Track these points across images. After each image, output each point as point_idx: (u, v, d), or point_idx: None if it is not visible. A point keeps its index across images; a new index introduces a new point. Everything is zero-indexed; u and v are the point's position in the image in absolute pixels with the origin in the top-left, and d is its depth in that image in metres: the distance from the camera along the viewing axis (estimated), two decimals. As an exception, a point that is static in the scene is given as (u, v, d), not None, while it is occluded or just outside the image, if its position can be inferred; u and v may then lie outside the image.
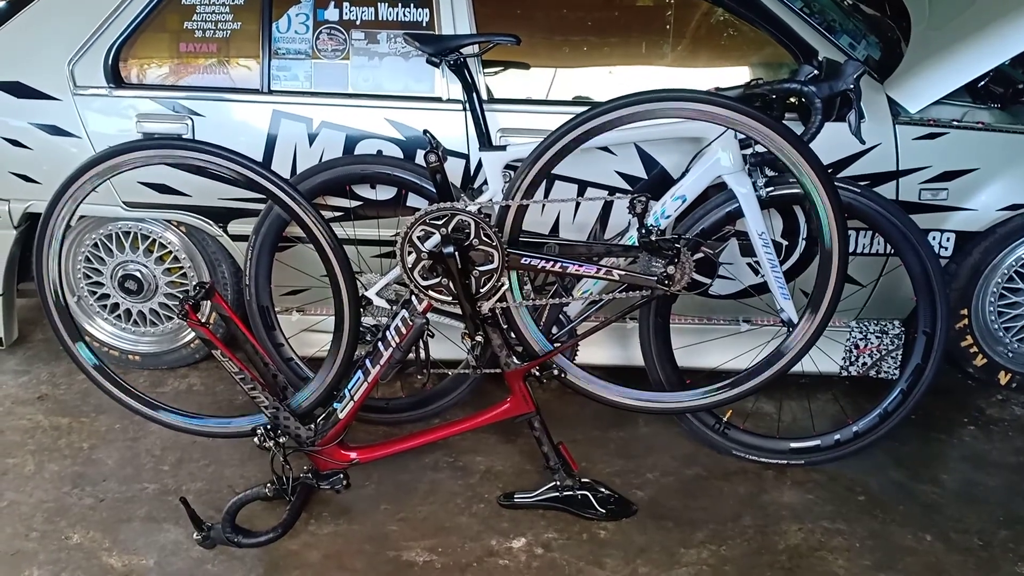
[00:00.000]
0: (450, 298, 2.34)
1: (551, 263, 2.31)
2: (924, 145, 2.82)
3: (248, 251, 2.84)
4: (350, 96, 2.91)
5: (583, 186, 2.88)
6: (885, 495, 2.67)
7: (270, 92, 2.92)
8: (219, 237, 3.04)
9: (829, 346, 3.01)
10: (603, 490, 2.59)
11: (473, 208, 2.26)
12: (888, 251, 2.89)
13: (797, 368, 2.81)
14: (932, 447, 2.92)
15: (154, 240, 3.14)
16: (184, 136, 2.91)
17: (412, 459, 2.80)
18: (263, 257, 2.86)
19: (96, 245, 3.16)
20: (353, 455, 2.59)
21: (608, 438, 2.94)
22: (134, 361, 3.33)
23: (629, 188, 2.87)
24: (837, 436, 2.79)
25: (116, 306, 3.26)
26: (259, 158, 2.86)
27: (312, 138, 2.90)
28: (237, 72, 2.96)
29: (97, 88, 2.94)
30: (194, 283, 2.95)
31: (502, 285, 2.32)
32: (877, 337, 3.08)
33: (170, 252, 3.16)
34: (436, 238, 2.29)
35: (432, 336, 2.47)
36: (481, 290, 2.32)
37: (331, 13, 2.90)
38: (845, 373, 3.11)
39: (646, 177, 2.85)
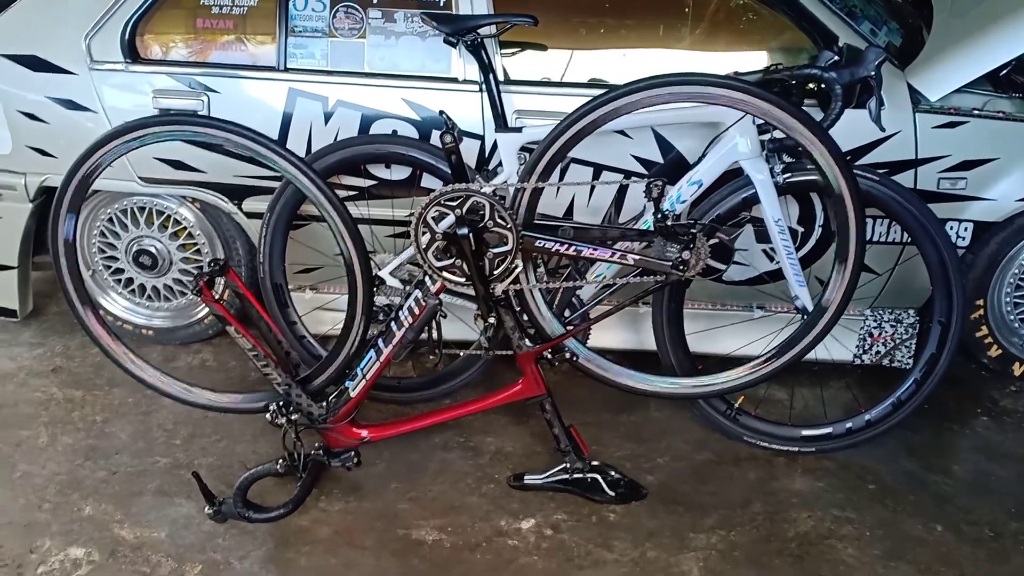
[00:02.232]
0: (463, 279, 2.34)
1: (565, 246, 2.31)
2: (944, 134, 2.79)
3: (262, 228, 2.85)
4: (366, 75, 2.90)
5: (598, 169, 2.86)
6: (896, 484, 2.67)
7: (286, 70, 2.91)
8: (234, 214, 3.04)
9: (842, 334, 2.99)
10: (613, 473, 2.59)
11: (488, 190, 2.25)
12: (905, 240, 2.87)
13: (810, 355, 2.82)
14: (944, 437, 2.91)
15: (169, 216, 3.14)
16: (199, 112, 2.90)
17: (423, 438, 2.81)
18: (277, 235, 2.86)
19: (111, 219, 3.17)
20: (364, 433, 2.60)
21: (619, 422, 2.94)
22: (148, 336, 3.34)
23: (645, 172, 2.85)
24: (849, 424, 2.78)
25: (130, 281, 3.27)
26: (274, 136, 2.86)
27: (327, 117, 2.89)
28: (253, 49, 2.95)
29: (113, 63, 2.94)
30: (208, 260, 2.95)
31: (516, 267, 2.31)
32: (891, 326, 3.06)
33: (184, 228, 3.16)
34: (450, 219, 2.28)
35: (445, 317, 2.46)
36: (495, 272, 2.32)
37: (348, -10, 2.89)
38: (858, 361, 3.09)
39: (662, 161, 2.84)
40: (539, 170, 2.29)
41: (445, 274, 2.34)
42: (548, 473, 2.60)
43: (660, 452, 2.80)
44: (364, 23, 2.89)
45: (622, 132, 2.80)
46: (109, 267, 3.26)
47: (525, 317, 2.49)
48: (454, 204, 2.25)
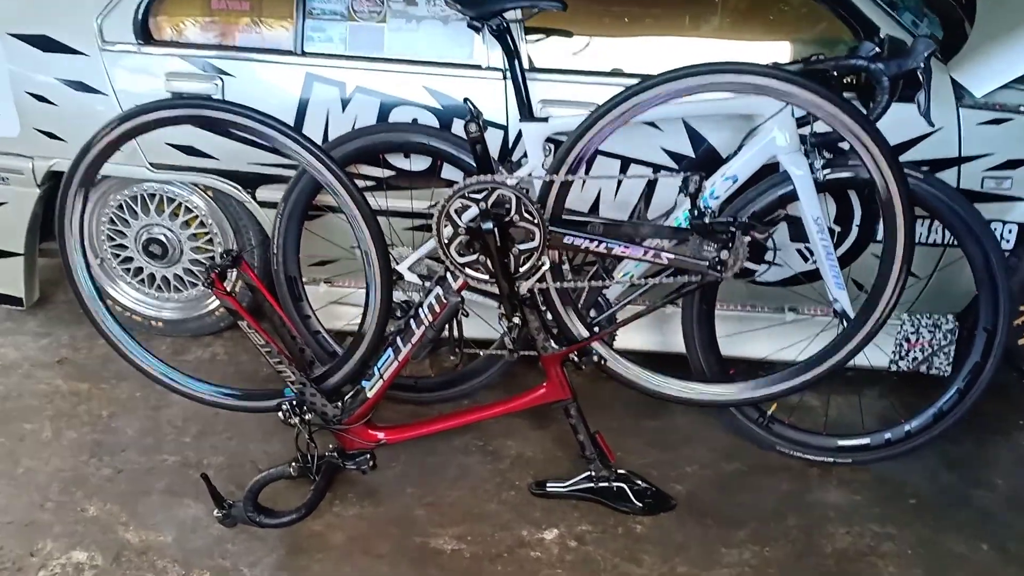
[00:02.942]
0: (487, 276, 2.23)
1: (595, 243, 2.19)
2: (989, 131, 2.65)
3: (276, 219, 2.74)
4: (386, 61, 2.78)
5: (626, 162, 2.74)
6: (937, 499, 2.54)
7: (303, 54, 2.80)
8: (247, 203, 2.93)
9: (879, 339, 2.86)
10: (640, 482, 2.48)
11: (514, 182, 2.13)
12: (947, 242, 2.74)
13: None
14: (986, 449, 2.79)
15: (180, 204, 3.04)
16: (213, 97, 2.79)
17: (440, 441, 2.70)
18: (292, 226, 2.76)
19: (121, 207, 3.07)
20: (381, 435, 2.49)
21: (643, 427, 2.82)
22: (157, 327, 3.24)
23: (675, 166, 2.72)
24: (888, 435, 2.66)
25: (140, 270, 3.17)
26: (290, 123, 2.72)
27: (345, 103, 2.77)
28: (270, 32, 2.84)
29: (126, 44, 2.83)
30: (220, 250, 2.83)
31: (543, 265, 2.20)
32: (929, 332, 2.94)
33: (196, 217, 3.06)
34: (474, 212, 2.16)
35: (467, 315, 2.35)
36: (520, 269, 2.21)
37: (370, -27, 2.77)
38: (895, 368, 2.97)
39: (693, 155, 2.71)
40: (569, 162, 2.17)
41: (468, 270, 2.22)
42: (572, 481, 2.49)
43: (687, 460, 2.68)
44: (385, 6, 2.77)
45: (652, 124, 2.68)
46: (118, 256, 3.16)
47: (550, 317, 2.36)
48: (479, 197, 2.13)
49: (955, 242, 2.62)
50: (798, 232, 2.76)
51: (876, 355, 2.88)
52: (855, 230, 2.78)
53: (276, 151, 2.33)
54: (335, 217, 2.87)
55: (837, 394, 2.95)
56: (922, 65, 2.22)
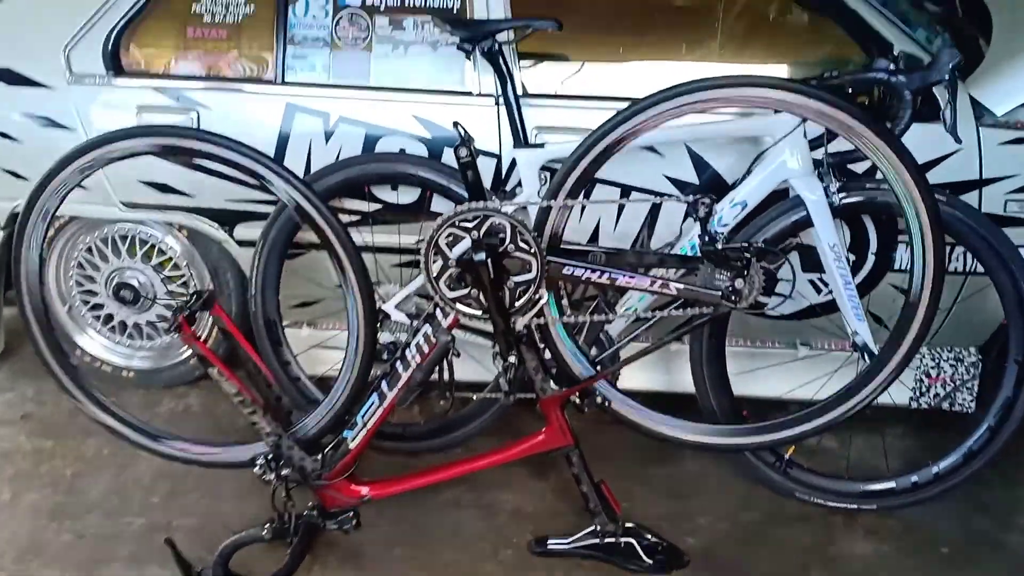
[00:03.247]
0: (480, 312, 2.04)
1: (597, 273, 2.01)
2: (1011, 151, 2.50)
3: (255, 258, 2.55)
4: (372, 89, 2.62)
5: (626, 191, 2.57)
6: (971, 547, 2.36)
7: (284, 83, 2.64)
8: (224, 242, 2.76)
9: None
10: (649, 537, 2.27)
11: (509, 209, 1.96)
12: (968, 269, 2.57)
13: None
14: (1019, 492, 2.59)
15: (153, 245, 2.86)
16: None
17: (430, 495, 2.50)
18: (271, 264, 2.57)
19: (90, 250, 2.88)
20: (364, 491, 2.28)
21: (651, 475, 2.62)
22: (128, 379, 3.04)
23: (678, 194, 2.56)
24: (915, 478, 2.47)
25: (110, 317, 2.98)
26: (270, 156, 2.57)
27: (329, 135, 2.61)
28: (248, 61, 2.68)
29: (94, 76, 2.67)
30: (192, 292, 2.64)
31: (540, 298, 2.02)
32: (951, 366, 2.76)
33: (170, 259, 2.87)
34: (466, 243, 1.98)
35: (458, 356, 2.16)
36: (516, 304, 2.02)
37: (353, -3, 2.62)
38: (915, 405, 2.78)
39: (697, 182, 2.55)
40: (568, 187, 2.00)
41: (459, 306, 2.04)
42: (575, 537, 2.28)
43: (700, 511, 2.48)
44: (370, 32, 2.62)
45: (653, 150, 2.52)
46: (87, 302, 2.96)
47: (549, 356, 2.18)
48: (470, 226, 1.95)
49: (977, 269, 2.46)
50: (811, 261, 2.59)
51: (895, 391, 2.69)
52: (871, 259, 2.61)
53: (253, 186, 2.15)
54: (318, 255, 2.68)
55: (856, 434, 2.76)
56: (947, 78, 2.06)
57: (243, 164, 2.05)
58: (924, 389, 2.78)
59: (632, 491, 2.50)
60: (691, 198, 1.95)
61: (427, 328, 2.10)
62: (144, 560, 2.27)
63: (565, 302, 2.20)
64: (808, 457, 2.56)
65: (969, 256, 2.56)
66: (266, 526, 2.12)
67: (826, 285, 2.64)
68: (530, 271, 1.99)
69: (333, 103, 2.61)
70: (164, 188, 2.69)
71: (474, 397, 2.59)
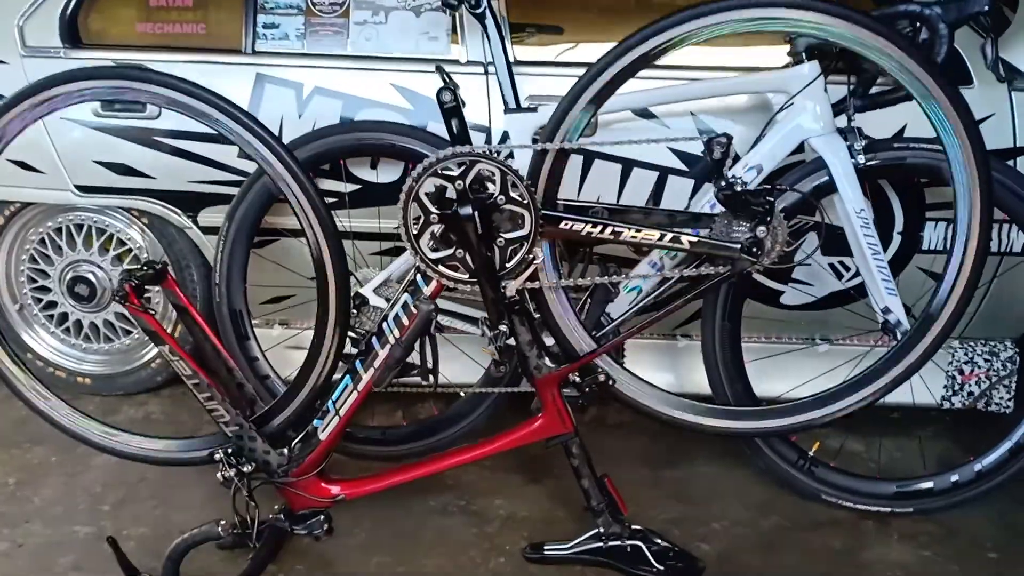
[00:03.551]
0: (467, 276, 1.79)
1: (599, 228, 1.76)
2: (1048, 116, 2.29)
3: (220, 242, 2.31)
4: (349, 58, 2.41)
5: (628, 165, 2.35)
6: (1023, 551, 2.06)
7: (254, 53, 2.43)
8: (187, 229, 2.52)
9: (927, 371, 2.44)
10: (659, 541, 2.00)
11: (499, 154, 1.73)
12: (1004, 250, 2.35)
13: (890, 399, 2.25)
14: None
15: (111, 235, 2.61)
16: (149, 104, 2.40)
17: (414, 501, 2.23)
18: (237, 250, 2.33)
19: (43, 241, 2.64)
20: (336, 490, 2.01)
21: (661, 478, 2.36)
22: (84, 384, 2.77)
23: (684, 168, 2.34)
24: (955, 477, 2.21)
25: (64, 316, 2.72)
26: (237, 132, 2.35)
27: (302, 106, 2.39)
28: (216, 29, 2.48)
29: (50, 49, 2.45)
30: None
31: (534, 258, 1.77)
32: (985, 361, 2.53)
33: (129, 250, 2.62)
34: (451, 195, 1.74)
35: (441, 331, 1.91)
36: (507, 265, 1.77)
37: (330, -41, 2.42)
38: (947, 405, 2.54)
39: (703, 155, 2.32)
40: (566, 127, 1.75)
41: (442, 269, 1.78)
42: (576, 541, 2.02)
43: (715, 515, 2.21)
44: (348, -3, 2.42)
45: (656, 118, 2.30)
46: (40, 300, 2.71)
47: (545, 328, 1.93)
48: (455, 174, 1.71)
49: (1013, 249, 2.28)
50: (830, 243, 2.36)
51: (924, 391, 2.46)
52: (897, 239, 2.38)
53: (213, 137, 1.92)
54: (290, 242, 2.45)
55: (885, 437, 2.50)
56: (987, 8, 1.84)
57: (198, 108, 1.80)
58: (957, 387, 2.55)
59: (640, 496, 2.24)
60: (705, 137, 1.72)
61: (406, 297, 1.85)
62: (89, 569, 2.00)
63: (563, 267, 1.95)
64: (832, 458, 2.30)
65: (1004, 235, 2.35)
66: (222, 523, 1.84)
67: (848, 270, 2.42)
68: (523, 227, 1.75)
69: (307, 73, 2.41)
70: (122, 169, 2.46)
71: (462, 394, 2.34)
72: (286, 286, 2.53)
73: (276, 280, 2.53)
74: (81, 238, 2.63)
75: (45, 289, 2.70)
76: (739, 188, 1.68)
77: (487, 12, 2.18)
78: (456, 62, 2.38)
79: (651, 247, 1.90)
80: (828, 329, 2.54)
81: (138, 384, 2.78)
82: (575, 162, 2.33)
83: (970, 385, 2.53)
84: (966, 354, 2.52)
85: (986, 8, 1.88)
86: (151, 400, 2.77)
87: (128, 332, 2.72)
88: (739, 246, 1.74)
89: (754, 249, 1.74)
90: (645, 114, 2.31)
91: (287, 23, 2.44)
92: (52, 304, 2.72)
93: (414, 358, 1.90)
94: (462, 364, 2.39)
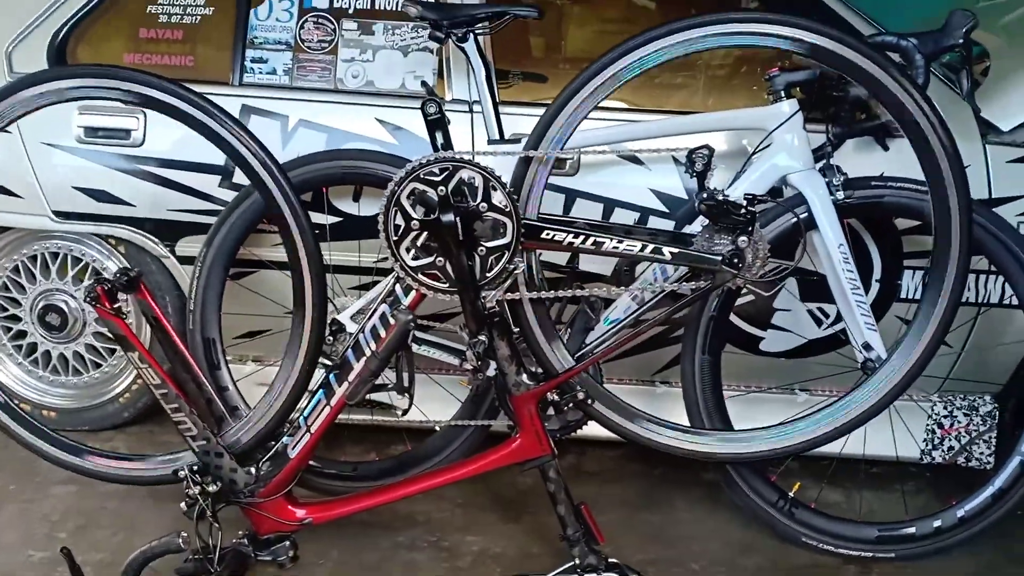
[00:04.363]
0: (446, 285, 1.78)
1: (581, 238, 1.76)
2: (1021, 169, 2.33)
3: (196, 269, 2.29)
4: (335, 92, 2.45)
5: (609, 206, 2.36)
6: (1007, 598, 2.02)
7: (241, 85, 2.45)
8: (164, 259, 2.49)
9: (907, 426, 2.44)
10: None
11: (484, 160, 1.73)
12: (982, 300, 2.36)
13: (871, 452, 2.36)
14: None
15: (87, 264, 2.58)
16: (133, 131, 2.42)
17: (382, 535, 2.17)
18: (213, 278, 2.30)
19: (17, 269, 2.60)
20: (302, 513, 1.95)
21: (638, 520, 2.30)
22: (49, 419, 2.68)
23: (664, 208, 2.36)
24: (937, 522, 2.18)
25: (33, 347, 2.66)
26: (220, 161, 2.36)
27: (287, 139, 2.41)
28: (204, 62, 2.52)
29: (36, 76, 2.46)
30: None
31: (515, 268, 1.76)
32: (965, 415, 2.50)
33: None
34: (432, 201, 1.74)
35: (419, 345, 1.88)
36: (487, 274, 1.76)
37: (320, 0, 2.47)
38: (927, 460, 2.50)
39: (684, 196, 2.35)
40: (552, 136, 1.77)
41: (422, 277, 1.77)
42: (551, 574, 1.93)
43: (694, 556, 2.15)
44: (336, 35, 2.46)
45: (636, 160, 2.33)
46: (9, 329, 2.65)
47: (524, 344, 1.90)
48: (438, 179, 1.71)
49: (991, 300, 2.32)
50: (810, 289, 2.38)
51: (905, 444, 2.44)
52: (875, 286, 2.39)
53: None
54: (267, 274, 2.43)
55: (865, 488, 2.46)
56: (961, 40, 1.90)
57: (185, 111, 1.81)
58: (937, 441, 2.52)
59: (616, 536, 2.15)
60: (687, 150, 1.73)
61: (384, 308, 1.83)
62: (39, 592, 1.90)
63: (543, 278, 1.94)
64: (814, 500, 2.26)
65: (982, 285, 2.37)
66: (182, 535, 1.77)
67: (827, 316, 2.42)
68: (504, 235, 1.74)
69: (293, 106, 2.43)
70: (102, 196, 2.46)
71: (437, 428, 2.29)
72: (262, 315, 2.48)
73: (252, 312, 2.49)
74: (56, 267, 2.59)
75: (15, 318, 2.64)
76: (720, 198, 1.69)
77: (473, 45, 2.21)
78: (442, 100, 2.41)
79: (632, 258, 1.89)
80: (808, 376, 2.52)
81: (104, 419, 2.70)
82: (556, 200, 2.35)
83: (950, 439, 2.51)
84: (946, 408, 2.50)
85: (961, 41, 1.93)
86: (117, 436, 2.69)
87: (97, 365, 2.66)
88: (720, 258, 1.74)
89: (735, 261, 1.73)
90: (631, 159, 2.32)
91: (275, 58, 2.48)
92: (21, 334, 2.66)
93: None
94: (440, 400, 2.35)
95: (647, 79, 2.14)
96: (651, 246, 1.76)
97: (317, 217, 2.38)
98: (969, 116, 2.32)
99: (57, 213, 2.48)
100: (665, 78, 2.61)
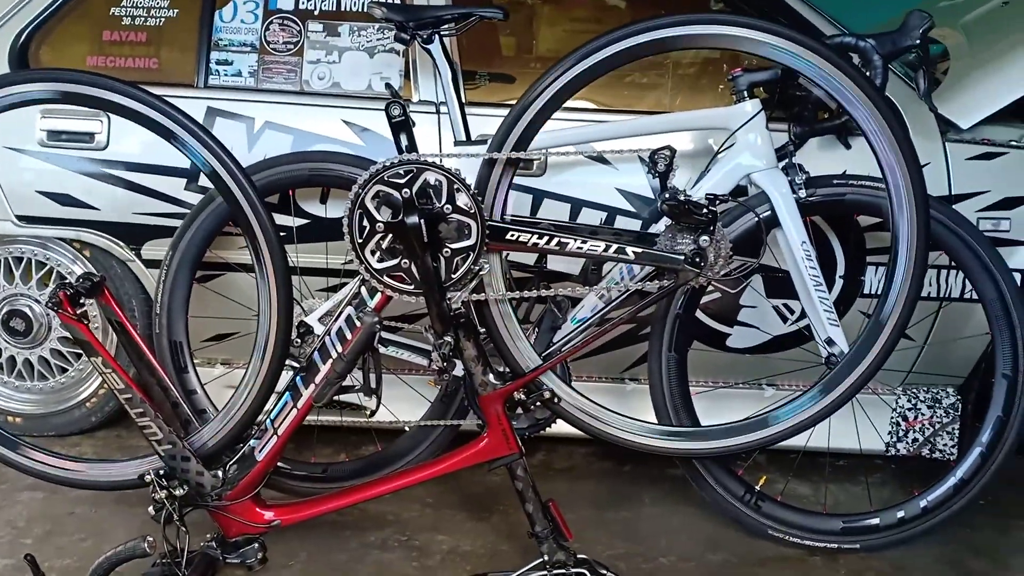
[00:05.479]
0: (411, 287, 1.78)
1: (545, 239, 1.77)
2: (980, 166, 2.38)
3: (162, 270, 2.28)
4: (301, 94, 2.44)
5: (577, 206, 2.38)
6: (969, 586, 2.05)
7: (206, 87, 2.44)
8: (129, 262, 2.48)
9: (872, 419, 2.47)
10: (605, 572, 1.94)
11: (448, 163, 1.74)
12: (943, 295, 2.40)
13: (836, 445, 2.36)
14: (1014, 536, 2.34)
15: (51, 269, 2.56)
16: (97, 134, 2.40)
17: (353, 536, 2.17)
18: (180, 281, 2.29)
19: (-20, 274, 2.58)
20: (270, 515, 1.95)
21: (606, 519, 2.32)
22: (14, 424, 2.66)
23: (631, 208, 2.37)
24: (901, 513, 2.21)
25: (-3, 353, 2.64)
26: (186, 164, 2.35)
27: (253, 140, 2.40)
28: (168, 65, 2.51)
29: (-5, 79, 2.44)
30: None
31: (480, 269, 1.77)
32: (928, 408, 2.54)
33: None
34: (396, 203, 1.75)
35: (386, 346, 1.89)
36: (453, 276, 1.77)
37: (285, 1, 2.47)
38: (892, 451, 2.54)
39: (651, 195, 2.36)
40: (515, 136, 1.78)
41: (387, 279, 1.77)
42: (520, 571, 1.95)
43: (662, 551, 2.17)
44: (302, 37, 2.46)
45: (603, 161, 2.34)
46: (-28, 337, 2.63)
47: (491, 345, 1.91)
48: (401, 182, 1.72)
49: (952, 294, 2.37)
50: (775, 286, 2.41)
51: (871, 438, 2.47)
52: (839, 283, 2.42)
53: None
54: (234, 277, 2.42)
55: (832, 482, 2.49)
56: (918, 41, 1.93)
57: (150, 116, 1.81)
58: (901, 434, 2.55)
59: (584, 533, 2.16)
60: (648, 151, 1.75)
61: (350, 310, 1.83)
62: (1, 600, 1.88)
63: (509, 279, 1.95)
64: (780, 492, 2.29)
65: (943, 280, 2.41)
66: (148, 539, 1.76)
67: (792, 312, 2.45)
68: (469, 237, 1.75)
69: (259, 108, 2.43)
70: (66, 200, 2.44)
71: (407, 428, 2.30)
72: (229, 318, 2.47)
73: (220, 315, 2.48)
74: (20, 271, 2.57)
75: (-22, 325, 2.62)
76: (682, 198, 1.71)
77: (439, 47, 2.22)
78: (409, 101, 2.41)
79: (597, 258, 1.90)
80: (775, 371, 2.54)
81: (71, 424, 2.68)
82: (524, 200, 2.36)
83: (914, 432, 2.55)
84: (909, 401, 2.54)
85: (918, 42, 1.96)
86: (84, 441, 2.67)
87: (64, 370, 2.64)
88: (683, 257, 1.76)
89: (697, 259, 1.75)
90: (598, 159, 2.34)
91: (240, 60, 2.47)
92: (-15, 340, 2.64)
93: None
94: (410, 400, 2.36)
95: (613, 79, 2.18)
96: (615, 246, 1.77)
97: (284, 219, 2.39)
98: (929, 114, 2.35)
99: (20, 217, 2.46)
100: (633, 78, 2.64)
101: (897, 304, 1.95)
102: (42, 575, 1.77)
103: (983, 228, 2.35)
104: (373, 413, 1.93)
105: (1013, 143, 2.39)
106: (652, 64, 2.65)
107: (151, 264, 2.45)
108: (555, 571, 1.91)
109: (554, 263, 2.30)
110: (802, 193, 2.10)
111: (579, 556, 1.94)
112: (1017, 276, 2.37)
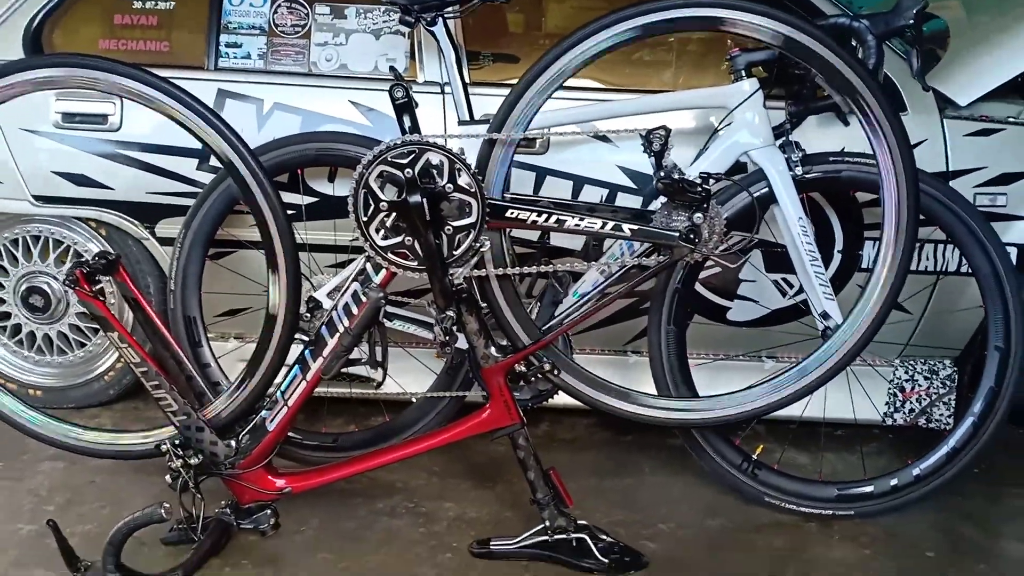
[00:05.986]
0: (416, 264, 1.84)
1: (544, 216, 1.83)
2: (977, 143, 2.41)
3: (176, 250, 2.34)
4: (309, 75, 2.50)
5: (579, 183, 2.43)
6: (959, 552, 2.12)
7: (216, 69, 2.50)
8: (144, 240, 2.55)
9: (869, 389, 2.52)
10: (604, 536, 2.02)
11: (451, 144, 1.80)
12: (939, 269, 2.44)
13: (832, 415, 2.45)
14: (1005, 504, 2.39)
15: (68, 247, 2.63)
16: (110, 116, 2.46)
17: (362, 504, 2.25)
18: (193, 258, 2.35)
19: (-1, 252, 2.66)
20: (282, 483, 2.02)
21: (607, 487, 2.39)
22: (35, 397, 2.75)
23: (633, 185, 2.42)
24: (894, 481, 2.26)
25: (18, 328, 2.72)
26: (198, 144, 2.39)
27: (262, 122, 2.46)
28: (179, 48, 2.57)
29: (12, 63, 2.50)
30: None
31: (481, 246, 1.83)
32: (926, 379, 2.59)
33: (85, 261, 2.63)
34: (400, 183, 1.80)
35: (391, 321, 1.95)
36: (455, 252, 1.83)
37: (293, -16, 2.52)
38: (889, 421, 2.60)
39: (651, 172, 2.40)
40: (515, 117, 1.83)
41: (392, 256, 1.83)
42: (522, 536, 2.03)
43: (661, 518, 2.24)
44: (310, 19, 2.51)
45: (606, 139, 2.39)
46: (-7, 312, 2.72)
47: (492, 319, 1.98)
48: (405, 162, 1.78)
49: (948, 268, 2.41)
50: (774, 261, 2.45)
51: (867, 409, 2.53)
52: (837, 257, 2.47)
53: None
54: (246, 254, 2.49)
55: (828, 451, 2.55)
56: (912, 21, 1.96)
57: (160, 100, 1.86)
58: (898, 404, 2.60)
59: (585, 502, 2.24)
60: (644, 131, 1.80)
61: (356, 286, 1.90)
62: (29, 564, 1.98)
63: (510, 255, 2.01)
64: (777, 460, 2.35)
65: (939, 254, 2.45)
66: (165, 505, 1.84)
67: (791, 287, 2.50)
68: (470, 215, 1.81)
69: (268, 89, 2.48)
70: (81, 180, 2.50)
71: (414, 400, 2.37)
72: (242, 293, 2.54)
73: (232, 291, 2.55)
74: (38, 250, 2.64)
75: (-1, 300, 2.70)
76: (677, 176, 1.76)
77: (443, 29, 2.26)
78: (413, 81, 2.46)
79: (595, 235, 1.95)
80: (774, 344, 2.60)
81: (90, 397, 2.76)
82: (526, 178, 2.41)
83: (911, 402, 2.60)
84: (907, 372, 2.59)
85: (911, 22, 2.00)
86: (103, 413, 2.75)
87: (82, 344, 2.72)
88: (678, 234, 1.81)
89: (692, 236, 1.81)
90: (599, 136, 2.38)
91: (249, 43, 2.52)
92: (5, 315, 2.71)
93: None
94: (417, 372, 2.43)
95: (614, 58, 2.22)
96: (612, 223, 1.83)
97: (293, 198, 2.45)
98: (928, 93, 2.39)
99: (37, 197, 2.52)
100: (635, 57, 2.67)
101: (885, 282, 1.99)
102: (64, 540, 1.84)
103: (980, 203, 2.40)
104: (379, 385, 2.00)
105: (1011, 119, 2.42)
106: (655, 42, 2.67)
107: (165, 242, 2.52)
108: (556, 536, 1.99)
109: (557, 239, 2.36)
110: (798, 170, 2.14)
111: (579, 522, 2.02)
112: (1014, 249, 2.43)
